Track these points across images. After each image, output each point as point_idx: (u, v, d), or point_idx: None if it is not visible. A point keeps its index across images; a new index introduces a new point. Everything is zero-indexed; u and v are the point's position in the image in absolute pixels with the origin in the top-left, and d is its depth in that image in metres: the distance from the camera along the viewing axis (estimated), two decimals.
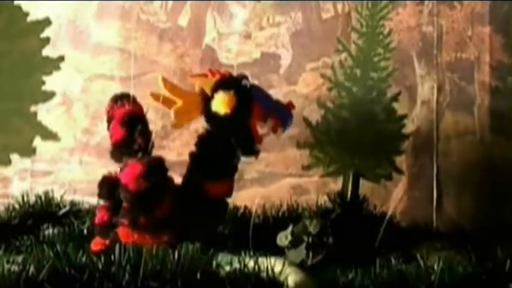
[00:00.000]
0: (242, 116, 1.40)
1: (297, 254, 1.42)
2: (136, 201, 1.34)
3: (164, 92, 1.41)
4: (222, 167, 1.42)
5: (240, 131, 1.41)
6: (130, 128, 1.41)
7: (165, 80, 1.42)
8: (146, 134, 1.41)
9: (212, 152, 1.42)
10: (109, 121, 1.45)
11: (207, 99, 1.41)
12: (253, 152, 1.43)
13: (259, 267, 1.21)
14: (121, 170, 1.39)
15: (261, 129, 1.43)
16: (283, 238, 1.45)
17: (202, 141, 1.43)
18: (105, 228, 1.39)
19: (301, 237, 1.43)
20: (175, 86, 1.43)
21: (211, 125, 1.42)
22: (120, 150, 1.41)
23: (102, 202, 1.42)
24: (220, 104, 1.39)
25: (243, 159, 1.44)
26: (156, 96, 1.42)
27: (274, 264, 1.22)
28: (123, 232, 1.35)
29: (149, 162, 1.36)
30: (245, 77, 1.43)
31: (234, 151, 1.42)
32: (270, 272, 1.20)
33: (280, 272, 1.21)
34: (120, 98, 1.46)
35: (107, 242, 1.36)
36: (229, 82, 1.41)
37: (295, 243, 1.43)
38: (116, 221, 1.37)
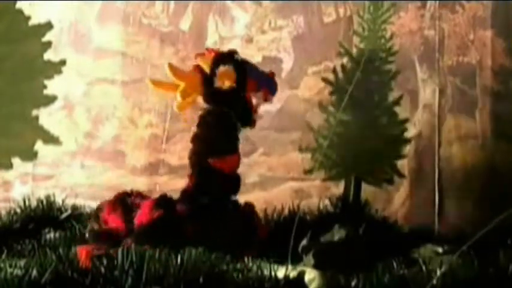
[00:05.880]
0: (241, 89, 1.48)
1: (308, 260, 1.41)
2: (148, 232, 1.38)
3: (171, 76, 1.48)
4: (226, 141, 1.48)
5: (240, 103, 1.48)
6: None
7: (171, 65, 1.49)
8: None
9: (215, 128, 1.47)
10: None
11: (205, 77, 1.47)
12: (251, 122, 1.51)
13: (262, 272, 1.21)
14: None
15: (255, 99, 1.51)
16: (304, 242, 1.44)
17: (204, 119, 1.48)
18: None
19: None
20: (179, 69, 1.51)
21: (213, 101, 1.48)
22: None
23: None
24: (224, 78, 1.46)
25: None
26: (156, 83, 1.52)
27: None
28: None
29: (159, 197, 1.44)
30: (236, 52, 1.51)
31: (234, 124, 1.48)
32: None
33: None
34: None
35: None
36: (227, 56, 1.49)
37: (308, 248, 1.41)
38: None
